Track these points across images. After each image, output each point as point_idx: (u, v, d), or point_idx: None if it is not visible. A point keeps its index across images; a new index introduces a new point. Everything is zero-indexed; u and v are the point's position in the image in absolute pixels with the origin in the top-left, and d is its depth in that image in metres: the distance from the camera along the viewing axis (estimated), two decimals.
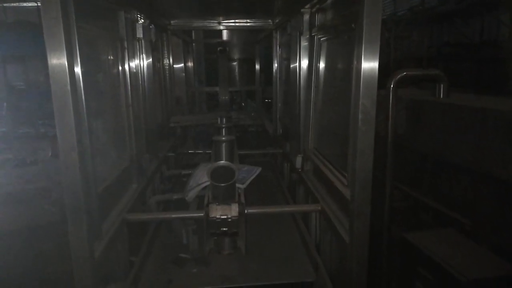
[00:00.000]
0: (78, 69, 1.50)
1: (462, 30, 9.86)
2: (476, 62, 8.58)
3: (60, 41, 1.32)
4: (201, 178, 2.15)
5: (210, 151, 3.18)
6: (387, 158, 3.07)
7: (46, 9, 1.30)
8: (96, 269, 1.53)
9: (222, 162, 1.86)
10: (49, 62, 1.35)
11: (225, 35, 6.02)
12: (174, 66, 4.56)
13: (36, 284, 3.93)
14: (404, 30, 11.18)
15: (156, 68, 3.21)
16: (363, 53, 1.46)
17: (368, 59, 1.46)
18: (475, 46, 9.11)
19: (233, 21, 3.85)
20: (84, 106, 1.55)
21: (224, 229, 1.85)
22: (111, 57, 2.14)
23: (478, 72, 8.61)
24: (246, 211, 1.92)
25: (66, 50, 1.33)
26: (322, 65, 2.48)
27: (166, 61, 3.98)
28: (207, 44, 6.38)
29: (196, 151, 3.51)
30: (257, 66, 6.06)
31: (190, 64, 5.82)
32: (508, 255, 2.35)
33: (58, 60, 1.34)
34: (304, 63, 2.69)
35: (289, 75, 3.16)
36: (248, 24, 3.85)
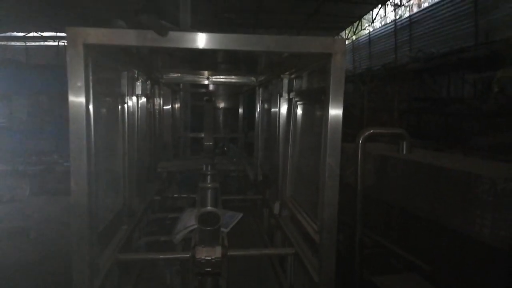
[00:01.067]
0: (91, 118, 1.76)
1: (431, 86, 10.67)
2: (443, 115, 9.25)
3: (81, 94, 1.61)
4: (188, 222, 2.38)
5: (194, 195, 3.41)
6: (356, 207, 3.38)
7: (72, 67, 1.59)
8: None
9: (209, 208, 2.11)
10: (70, 107, 1.62)
11: (211, 86, 6.43)
12: (163, 113, 4.88)
13: None
14: (379, 84, 12.01)
15: (148, 115, 3.50)
16: (329, 121, 1.80)
17: (333, 126, 1.80)
18: (443, 101, 9.86)
19: (220, 77, 4.24)
20: (93, 149, 1.80)
21: (208, 269, 2.06)
22: (114, 110, 2.43)
23: (445, 124, 9.27)
24: (228, 253, 2.15)
25: (85, 102, 1.62)
26: (298, 123, 2.83)
27: (156, 109, 4.29)
28: (194, 93, 6.78)
29: (181, 195, 3.73)
30: (240, 115, 6.47)
31: (177, 111, 6.16)
32: None
33: (77, 108, 1.62)
34: (282, 119, 3.04)
35: (270, 127, 3.51)
36: (233, 80, 4.24)
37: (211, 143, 5.98)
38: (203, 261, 2.06)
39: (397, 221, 3.51)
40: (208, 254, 2.06)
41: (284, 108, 3.04)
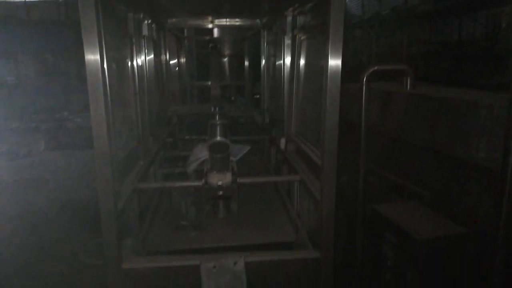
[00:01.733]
0: (105, 63, 1.86)
1: (442, 29, 10.39)
2: (453, 59, 9.11)
3: (94, 40, 1.70)
4: (199, 153, 2.55)
5: (204, 137, 3.57)
6: (361, 143, 3.52)
7: (84, 14, 1.67)
8: (118, 220, 1.92)
9: (219, 138, 2.26)
10: (85, 57, 1.71)
11: (215, 32, 6.40)
12: (169, 61, 4.94)
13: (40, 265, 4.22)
14: (388, 29, 11.70)
15: (156, 62, 3.59)
16: (329, 50, 1.87)
17: (334, 55, 1.87)
18: (453, 44, 9.65)
19: (224, 20, 4.24)
20: (109, 92, 1.92)
21: (220, 193, 2.26)
22: (124, 52, 2.52)
23: (454, 68, 9.16)
24: (238, 180, 2.33)
25: (98, 47, 1.71)
26: (302, 60, 2.90)
27: (163, 57, 4.35)
28: (198, 40, 6.76)
29: (192, 137, 3.89)
30: (246, 62, 6.48)
31: (182, 60, 6.19)
32: (459, 219, 2.80)
33: (93, 56, 1.71)
34: (288, 58, 3.10)
35: (275, 69, 3.58)
36: (237, 23, 4.24)
37: (217, 91, 6.06)
38: (215, 186, 2.25)
39: (399, 154, 3.65)
40: (219, 179, 2.24)
41: (288, 47, 3.09)
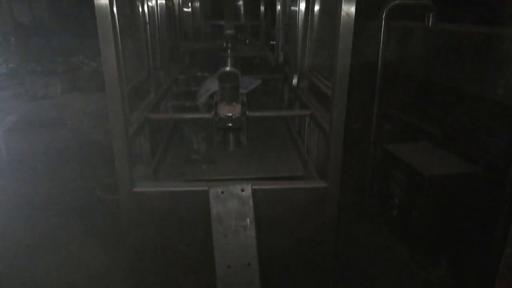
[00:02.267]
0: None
1: None
2: None
3: None
4: (210, 86, 2.53)
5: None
6: (377, 82, 3.43)
7: None
8: (129, 145, 1.96)
9: (229, 68, 2.23)
10: None
11: None
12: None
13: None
14: None
15: None
16: None
17: None
18: None
19: None
20: (117, 20, 1.87)
21: (230, 125, 2.26)
22: None
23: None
24: (248, 114, 2.32)
25: None
26: None
27: None
28: None
29: (204, 75, 3.85)
30: (262, 2, 6.21)
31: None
32: (472, 159, 2.78)
33: None
34: None
35: (291, 7, 3.43)
36: None
37: (232, 31, 5.88)
38: (225, 117, 2.25)
39: (416, 95, 3.56)
40: (229, 110, 2.24)
41: None
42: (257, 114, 2.43)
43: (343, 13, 1.80)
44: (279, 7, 4.26)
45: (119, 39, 1.88)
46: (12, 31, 12.58)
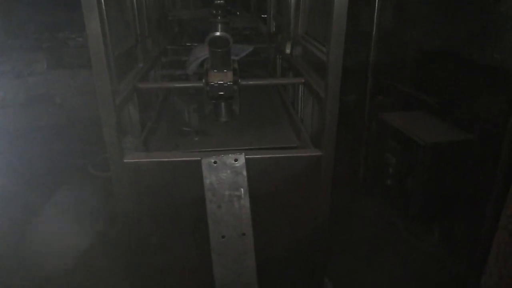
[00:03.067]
0: None
1: None
2: None
3: None
4: (199, 53, 2.43)
5: None
6: (371, 51, 3.35)
7: None
8: (117, 114, 1.88)
9: (219, 32, 2.12)
10: None
11: None
12: None
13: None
14: None
15: None
16: None
17: None
18: None
19: None
20: None
21: (221, 93, 2.19)
22: None
23: None
24: (240, 82, 2.24)
25: None
26: None
27: None
28: None
29: (193, 44, 3.73)
30: None
31: None
32: (466, 126, 2.75)
33: None
34: None
35: None
36: None
37: (222, 1, 5.69)
38: (216, 85, 2.17)
39: (410, 61, 3.49)
40: (220, 78, 2.15)
41: None
42: (250, 82, 2.35)
43: None
44: None
45: (103, 6, 1.78)
46: None
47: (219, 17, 2.63)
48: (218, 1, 5.00)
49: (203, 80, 2.23)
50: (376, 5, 3.17)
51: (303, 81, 2.40)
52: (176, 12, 4.04)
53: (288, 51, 2.92)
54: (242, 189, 1.92)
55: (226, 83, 2.16)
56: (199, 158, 1.94)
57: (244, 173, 1.94)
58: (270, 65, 4.23)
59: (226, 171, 1.93)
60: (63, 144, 5.35)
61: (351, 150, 3.68)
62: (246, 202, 1.92)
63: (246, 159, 1.96)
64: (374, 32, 3.28)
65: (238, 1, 6.62)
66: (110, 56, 1.87)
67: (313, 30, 2.68)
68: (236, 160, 1.95)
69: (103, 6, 1.80)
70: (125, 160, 1.93)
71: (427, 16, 3.17)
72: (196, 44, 3.75)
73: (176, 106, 2.97)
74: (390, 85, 3.54)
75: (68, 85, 8.00)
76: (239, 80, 2.25)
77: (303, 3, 2.81)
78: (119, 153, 1.91)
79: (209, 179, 1.93)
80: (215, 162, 1.94)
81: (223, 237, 1.94)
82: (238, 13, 6.75)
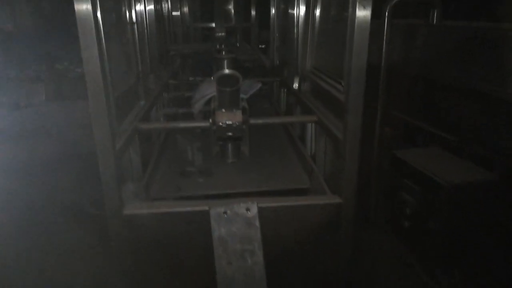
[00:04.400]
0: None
1: None
2: None
3: None
4: (206, 90, 2.29)
5: (210, 78, 3.30)
6: (380, 83, 3.22)
7: None
8: (117, 161, 1.71)
9: (227, 70, 1.99)
10: None
11: None
12: (170, 1, 4.52)
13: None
14: None
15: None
16: None
17: None
18: None
19: None
20: (101, 23, 1.62)
21: (230, 134, 2.03)
22: None
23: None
24: (250, 120, 2.09)
25: None
26: None
27: None
28: None
29: (196, 79, 3.61)
30: (252, 4, 6.01)
31: (185, 1, 5.75)
32: (488, 164, 2.59)
33: None
34: None
35: (287, 5, 3.22)
36: None
37: (223, 33, 5.67)
38: (224, 125, 2.01)
39: (422, 96, 3.37)
40: (229, 118, 2.00)
41: None
42: (260, 121, 2.20)
43: (358, 9, 1.59)
44: (273, 7, 4.04)
45: (104, 45, 1.64)
46: None
47: (223, 52, 2.52)
48: (219, 34, 4.96)
49: (210, 120, 2.08)
50: (385, 36, 3.07)
51: (315, 119, 2.25)
52: (178, 46, 3.95)
53: (295, 86, 2.79)
54: (255, 243, 1.72)
55: (235, 124, 2.01)
56: (207, 208, 1.76)
57: (257, 224, 1.75)
58: (273, 98, 4.11)
59: (238, 223, 1.74)
60: (56, 180, 5.14)
61: (361, 186, 3.49)
62: (259, 257, 1.71)
63: (258, 208, 1.77)
64: (383, 64, 3.17)
65: (237, 31, 6.61)
66: (110, 98, 1.71)
67: (323, 64, 2.56)
68: (248, 209, 1.76)
69: (103, 45, 1.67)
70: (124, 212, 1.74)
71: (441, 47, 3.06)
72: (199, 78, 3.64)
73: (178, 144, 2.81)
74: (401, 118, 3.40)
75: (66, 117, 7.87)
76: (249, 120, 2.10)
77: (311, 36, 2.71)
78: (118, 204, 1.72)
79: (218, 231, 1.73)
80: (225, 213, 1.75)
81: None
82: (238, 44, 6.74)
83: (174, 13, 4.67)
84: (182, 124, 2.24)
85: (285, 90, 3.60)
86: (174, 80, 3.44)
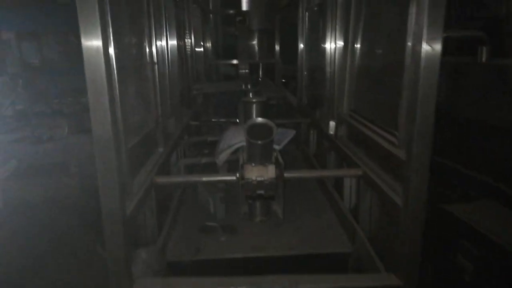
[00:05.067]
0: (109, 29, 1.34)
1: None
2: None
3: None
4: (232, 139, 2.00)
5: (235, 119, 3.04)
6: None
7: None
8: (127, 229, 1.41)
9: (260, 118, 1.71)
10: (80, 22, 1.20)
11: (244, 4, 5.79)
12: (193, 38, 4.38)
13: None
14: None
15: (178, 37, 3.03)
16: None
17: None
18: None
19: None
20: (115, 62, 1.39)
21: (260, 192, 1.71)
22: (139, 20, 1.99)
23: None
24: (283, 174, 1.78)
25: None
26: (362, 13, 2.27)
27: (186, 33, 3.80)
28: (225, 15, 6.16)
29: (220, 120, 3.36)
30: (276, 39, 5.86)
31: (207, 37, 5.66)
32: None
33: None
34: (340, 16, 2.47)
35: (318, 35, 2.98)
36: None
37: (246, 70, 5.49)
38: (254, 182, 1.70)
39: (471, 138, 3.00)
40: (259, 173, 1.70)
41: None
42: (295, 175, 1.89)
43: (424, 45, 1.29)
44: (302, 42, 3.81)
45: (117, 89, 1.39)
46: (20, 73, 12.49)
47: (251, 95, 2.25)
48: (243, 71, 4.75)
49: (237, 174, 1.78)
50: None
51: (360, 173, 1.91)
52: (201, 85, 3.73)
53: (331, 131, 2.48)
54: None
55: (267, 180, 1.70)
56: None
57: None
58: (301, 140, 3.80)
59: None
60: (71, 217, 4.92)
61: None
62: None
63: None
64: None
65: (260, 67, 6.44)
66: (123, 153, 1.44)
67: (365, 107, 2.24)
68: None
69: (116, 89, 1.42)
70: None
71: (492, 87, 2.73)
72: (223, 119, 3.38)
73: (199, 194, 2.50)
74: (449, 167, 3.02)
75: (85, 152, 7.76)
76: (284, 174, 1.79)
77: (350, 74, 2.41)
78: (126, 283, 1.40)
79: None
80: None
81: None
82: (260, 78, 6.55)
83: (197, 49, 4.51)
84: (205, 178, 1.94)
85: (315, 131, 3.30)
86: (196, 121, 3.19)
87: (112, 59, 1.35)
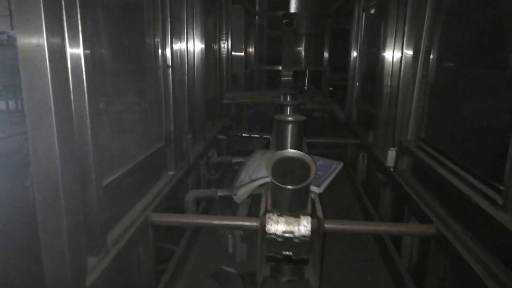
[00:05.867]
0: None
1: None
2: None
3: None
4: (256, 171, 1.51)
5: (268, 136, 2.56)
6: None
7: None
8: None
9: (291, 150, 1.21)
10: None
11: (292, 6, 5.30)
12: (232, 38, 3.95)
13: None
14: None
15: (206, 36, 2.59)
16: None
17: None
18: None
19: None
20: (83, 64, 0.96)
21: (288, 253, 1.21)
22: (140, 16, 1.56)
23: None
24: (323, 227, 1.26)
25: None
26: (441, 20, 1.71)
27: (222, 33, 3.37)
28: (271, 18, 5.70)
29: (252, 135, 2.88)
30: (326, 44, 5.31)
31: (251, 39, 5.24)
32: None
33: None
34: (409, 22, 1.92)
35: (377, 44, 2.43)
36: None
37: (290, 78, 4.99)
38: (279, 239, 1.20)
39: None
40: (288, 228, 1.19)
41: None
42: (339, 226, 1.36)
43: None
44: (355, 49, 3.26)
45: (86, 102, 0.96)
46: None
47: (288, 111, 1.76)
48: (285, 78, 4.23)
49: (258, 222, 1.29)
50: None
51: (433, 232, 1.35)
52: (234, 93, 3.27)
53: (390, 164, 1.91)
54: None
55: (298, 238, 1.19)
56: None
57: None
58: (347, 163, 3.22)
59: None
60: None
61: None
62: None
63: None
64: None
65: (305, 75, 5.90)
66: (93, 193, 1.01)
67: (443, 139, 1.67)
68: None
69: (86, 109, 0.99)
70: None
71: None
72: (255, 135, 2.90)
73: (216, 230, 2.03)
74: None
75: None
76: (324, 225, 1.27)
77: (421, 93, 1.84)
78: None
79: None
80: None
81: None
82: (305, 87, 6.02)
83: (235, 53, 4.07)
84: (216, 221, 1.46)
85: (366, 156, 2.74)
86: (224, 134, 2.73)
87: (65, 56, 0.91)
